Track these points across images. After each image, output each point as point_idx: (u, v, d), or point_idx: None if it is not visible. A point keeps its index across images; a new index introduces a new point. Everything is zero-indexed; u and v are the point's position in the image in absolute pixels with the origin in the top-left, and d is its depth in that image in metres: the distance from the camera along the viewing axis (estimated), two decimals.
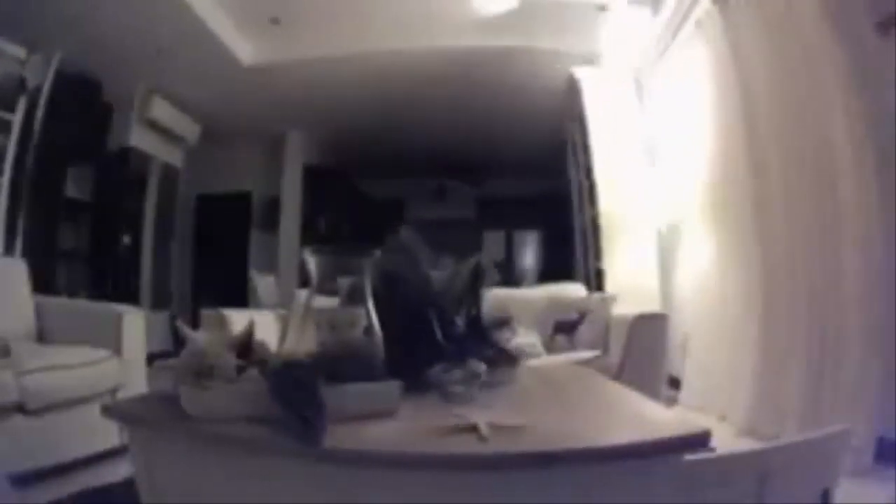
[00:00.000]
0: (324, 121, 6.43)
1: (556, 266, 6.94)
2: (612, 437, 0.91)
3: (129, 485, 1.01)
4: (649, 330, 2.51)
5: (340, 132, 6.82)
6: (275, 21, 4.44)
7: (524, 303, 2.95)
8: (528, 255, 8.85)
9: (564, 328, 2.84)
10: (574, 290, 3.25)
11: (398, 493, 0.81)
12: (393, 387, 1.00)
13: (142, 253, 5.52)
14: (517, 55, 4.72)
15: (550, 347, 2.75)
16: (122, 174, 5.20)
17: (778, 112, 2.47)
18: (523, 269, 8.49)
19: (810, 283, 2.28)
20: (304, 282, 1.18)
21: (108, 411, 1.10)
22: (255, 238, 6.79)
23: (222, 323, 2.47)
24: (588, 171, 4.66)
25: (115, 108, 5.07)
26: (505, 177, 8.37)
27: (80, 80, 4.51)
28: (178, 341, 1.08)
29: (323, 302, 1.11)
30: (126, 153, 5.20)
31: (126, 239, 5.27)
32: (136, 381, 2.28)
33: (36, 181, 3.85)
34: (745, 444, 2.24)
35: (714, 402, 2.89)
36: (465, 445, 0.82)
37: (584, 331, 2.78)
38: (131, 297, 4.88)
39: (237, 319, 2.47)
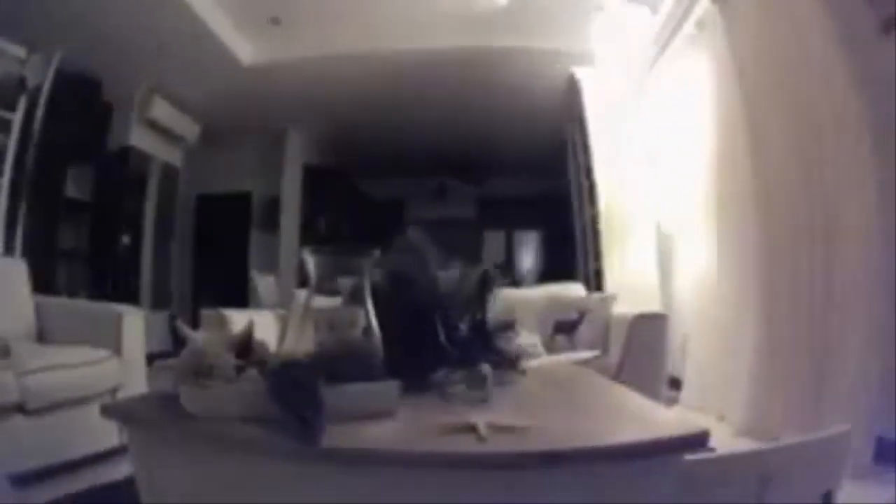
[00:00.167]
0: (324, 121, 6.43)
1: (557, 266, 6.95)
2: (611, 436, 0.91)
3: (128, 484, 1.01)
4: (649, 330, 2.51)
5: (340, 132, 6.82)
6: (275, 21, 4.44)
7: (524, 303, 2.95)
8: (529, 256, 8.85)
9: (564, 328, 2.84)
10: (574, 290, 3.25)
11: (397, 493, 0.81)
12: (391, 387, 1.00)
13: (142, 253, 5.52)
14: (517, 55, 4.72)
15: (550, 347, 2.75)
16: (122, 174, 5.20)
17: (778, 112, 2.47)
18: (523, 270, 8.49)
19: (810, 283, 2.28)
20: (304, 282, 1.18)
21: (107, 411, 1.10)
22: (255, 238, 6.79)
23: (222, 323, 2.46)
24: (588, 172, 4.66)
25: (115, 108, 5.07)
26: (505, 177, 8.37)
27: (80, 79, 4.51)
28: (178, 341, 1.08)
29: (322, 302, 1.11)
30: (126, 153, 5.20)
31: (126, 239, 5.27)
32: (135, 381, 2.28)
33: (36, 181, 3.85)
34: (744, 445, 2.24)
35: (713, 402, 2.89)
36: (463, 445, 0.82)
37: (583, 331, 2.78)
38: (131, 297, 4.88)
39: (237, 319, 2.47)
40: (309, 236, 6.58)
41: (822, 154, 2.19)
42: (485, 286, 1.42)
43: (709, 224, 3.22)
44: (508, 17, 4.27)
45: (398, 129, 6.58)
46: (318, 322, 1.07)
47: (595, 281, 4.61)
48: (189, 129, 5.95)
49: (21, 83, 3.64)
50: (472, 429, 0.85)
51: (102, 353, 2.18)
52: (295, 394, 0.88)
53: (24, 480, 1.77)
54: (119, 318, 2.29)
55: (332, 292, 1.12)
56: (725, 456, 0.90)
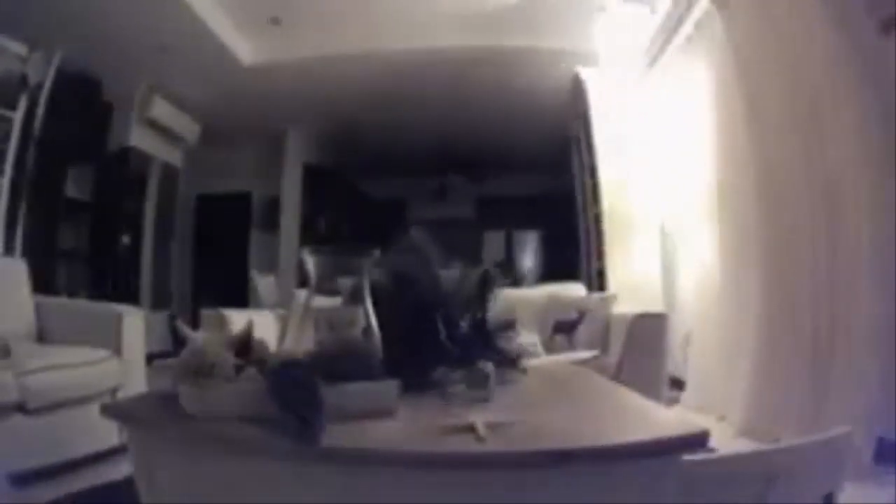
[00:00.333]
0: (324, 121, 6.43)
1: (558, 266, 6.94)
2: (610, 436, 0.91)
3: (128, 484, 1.01)
4: (649, 329, 2.50)
5: (340, 132, 6.82)
6: (275, 21, 4.44)
7: (524, 302, 2.95)
8: (529, 256, 8.84)
9: (564, 328, 2.84)
10: (574, 290, 3.25)
11: (397, 493, 0.81)
12: (391, 386, 1.00)
13: (142, 253, 5.52)
14: (518, 55, 4.72)
15: (550, 347, 2.75)
16: (122, 174, 5.20)
17: (778, 112, 2.47)
18: (524, 270, 8.49)
19: (810, 283, 2.28)
20: (304, 282, 1.18)
21: (107, 411, 1.10)
22: (255, 238, 6.79)
23: (222, 323, 2.46)
24: (592, 171, 4.66)
25: (116, 108, 5.07)
26: (505, 176, 8.36)
27: (81, 79, 4.51)
28: (178, 341, 1.08)
29: (322, 302, 1.11)
30: (126, 153, 5.20)
31: (126, 239, 5.27)
32: (135, 381, 2.28)
33: (36, 181, 3.85)
34: (744, 445, 2.24)
35: (714, 402, 2.89)
36: (463, 445, 0.82)
37: (583, 330, 2.78)
38: (131, 297, 4.88)
39: (237, 319, 2.47)
40: (309, 236, 6.58)
41: (823, 154, 2.19)
42: (485, 286, 1.42)
43: (710, 223, 3.22)
44: (510, 17, 4.27)
45: (398, 128, 6.58)
46: (318, 322, 1.07)
47: (598, 281, 4.61)
48: (189, 129, 5.95)
49: (22, 80, 3.65)
50: (471, 429, 0.85)
51: (102, 353, 2.18)
52: (295, 393, 0.88)
53: (25, 480, 1.77)
54: (119, 318, 2.29)
55: (332, 292, 1.12)
56: (726, 457, 0.90)
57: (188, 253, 6.55)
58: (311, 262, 1.10)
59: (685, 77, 3.50)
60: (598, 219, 4.55)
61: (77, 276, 4.77)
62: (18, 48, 3.61)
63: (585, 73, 4.50)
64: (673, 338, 2.99)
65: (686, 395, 3.19)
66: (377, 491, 0.82)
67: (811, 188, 2.28)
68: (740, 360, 2.68)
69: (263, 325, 1.87)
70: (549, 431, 0.90)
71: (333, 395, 0.91)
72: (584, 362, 2.33)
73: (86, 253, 4.92)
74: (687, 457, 0.83)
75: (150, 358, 2.48)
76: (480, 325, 1.37)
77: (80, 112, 4.53)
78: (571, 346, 2.74)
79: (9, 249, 3.56)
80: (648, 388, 1.87)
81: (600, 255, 4.50)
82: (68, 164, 4.56)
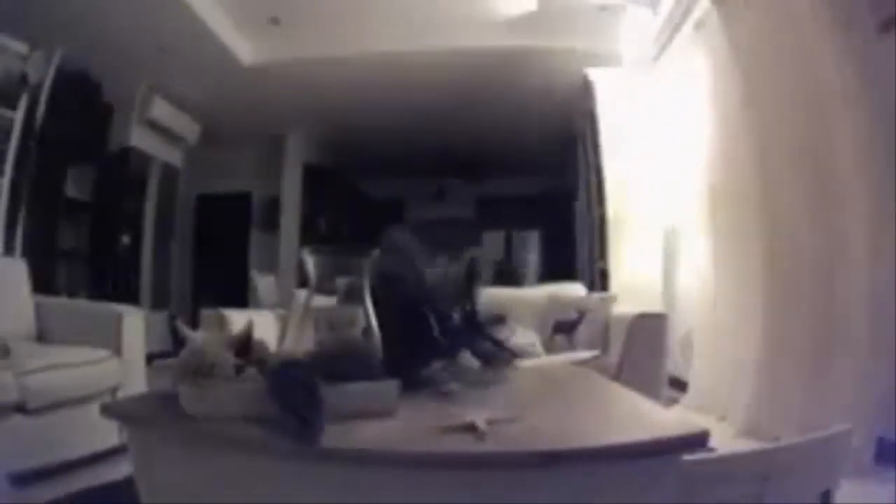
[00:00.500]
0: (324, 121, 6.43)
1: (558, 266, 6.94)
2: (610, 436, 0.91)
3: (128, 484, 1.01)
4: (649, 330, 2.50)
5: (340, 132, 6.82)
6: (275, 21, 4.44)
7: (524, 303, 2.95)
8: (529, 256, 8.84)
9: (564, 328, 2.84)
10: (574, 290, 3.25)
11: (397, 493, 0.81)
12: (391, 386, 1.00)
13: (142, 253, 5.52)
14: (519, 55, 4.71)
15: (550, 347, 2.75)
16: (122, 174, 5.20)
17: (778, 112, 2.47)
18: (523, 270, 8.49)
19: (811, 283, 2.28)
20: (304, 282, 1.19)
21: (107, 411, 1.09)
22: (255, 238, 6.79)
23: (222, 323, 2.46)
24: (598, 171, 4.65)
25: (116, 108, 5.07)
26: (505, 176, 8.37)
27: (81, 79, 4.51)
28: (178, 341, 1.08)
29: (322, 302, 1.11)
30: (126, 153, 5.21)
31: (126, 239, 5.27)
32: (135, 381, 2.28)
33: (36, 181, 3.85)
34: (745, 445, 2.24)
35: (714, 402, 2.89)
36: (463, 444, 0.82)
37: (583, 331, 2.77)
38: (131, 297, 4.88)
39: (237, 319, 2.46)
40: (309, 236, 6.58)
41: (823, 153, 2.19)
42: (471, 277, 1.42)
43: (711, 224, 3.22)
44: (511, 17, 4.27)
45: (398, 128, 6.58)
46: (318, 321, 1.07)
47: (601, 281, 4.61)
48: (189, 129, 5.95)
49: (23, 80, 3.65)
50: (471, 428, 0.85)
51: (102, 353, 2.18)
52: (294, 393, 0.88)
53: (24, 480, 1.77)
54: (119, 318, 2.29)
55: (332, 292, 1.12)
56: (724, 456, 0.90)
57: (188, 253, 6.55)
58: (310, 262, 1.10)
59: (686, 76, 3.50)
60: (602, 218, 4.55)
61: (77, 276, 4.77)
62: (19, 47, 3.61)
63: (594, 74, 4.48)
64: (673, 338, 2.99)
65: (686, 396, 3.19)
66: (376, 491, 0.82)
67: (811, 188, 2.28)
68: (741, 360, 2.68)
69: (263, 325, 1.87)
70: (549, 431, 0.90)
71: (333, 395, 0.91)
72: (584, 362, 2.32)
73: (86, 253, 4.92)
74: (686, 457, 0.83)
75: (150, 358, 2.48)
76: (471, 317, 1.37)
77: (80, 112, 4.53)
78: (571, 347, 2.73)
79: (9, 249, 3.56)
80: (648, 388, 1.88)
81: (603, 255, 4.50)
82: (68, 164, 4.56)
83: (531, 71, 4.97)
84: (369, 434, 0.88)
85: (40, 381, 1.89)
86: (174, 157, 6.02)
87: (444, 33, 4.49)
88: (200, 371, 0.97)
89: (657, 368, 2.53)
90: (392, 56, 4.79)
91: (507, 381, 1.33)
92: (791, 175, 2.39)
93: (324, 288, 1.11)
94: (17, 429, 1.84)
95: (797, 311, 2.34)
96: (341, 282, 1.11)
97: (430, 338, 1.23)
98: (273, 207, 6.68)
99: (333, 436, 0.84)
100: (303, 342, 1.07)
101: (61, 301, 3.15)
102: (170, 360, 1.08)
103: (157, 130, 5.53)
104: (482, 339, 1.32)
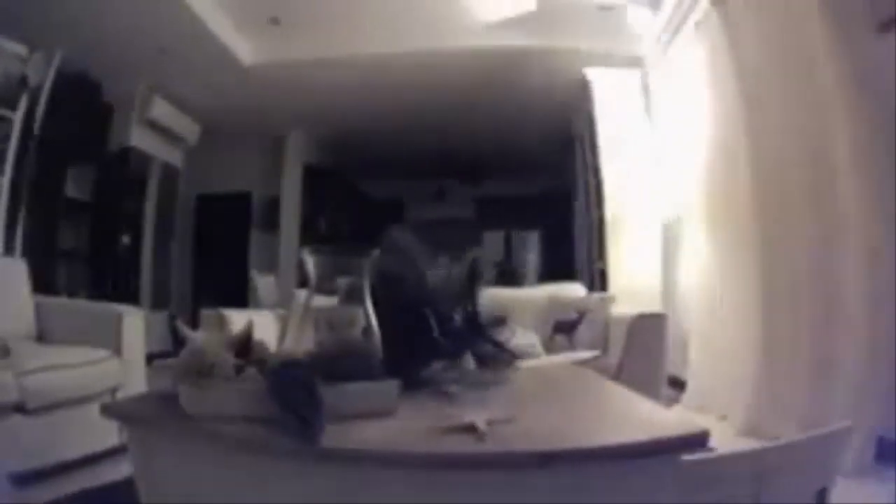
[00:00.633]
0: (324, 121, 6.43)
1: (557, 266, 6.95)
2: (610, 436, 0.91)
3: (128, 484, 1.01)
4: (648, 330, 2.51)
5: (340, 132, 6.82)
6: (274, 21, 4.44)
7: (524, 303, 2.95)
8: (529, 256, 8.85)
9: (564, 328, 2.84)
10: (573, 290, 3.25)
11: (396, 493, 0.81)
12: (391, 386, 1.00)
13: (142, 253, 5.52)
14: (518, 56, 4.72)
15: (550, 347, 2.75)
16: (122, 174, 5.20)
17: (777, 112, 2.47)
18: (523, 270, 8.50)
19: (811, 283, 2.28)
20: (304, 282, 1.19)
21: (107, 411, 1.09)
22: (255, 238, 6.79)
23: (222, 323, 2.46)
24: (596, 171, 4.65)
25: (116, 108, 5.07)
26: (505, 176, 8.38)
27: (81, 79, 4.51)
28: (178, 341, 1.08)
29: (322, 302, 1.11)
30: (126, 153, 5.21)
31: (126, 239, 5.27)
32: (135, 381, 2.28)
33: (36, 181, 3.85)
34: (745, 445, 2.24)
35: (715, 402, 2.89)
36: (463, 444, 0.82)
37: (583, 331, 2.78)
38: (131, 297, 4.88)
39: (237, 319, 2.47)
40: (309, 236, 6.59)
41: (822, 153, 2.19)
42: (473, 277, 1.41)
43: (710, 223, 3.22)
44: (511, 18, 4.26)
45: (398, 129, 6.59)
46: (318, 322, 1.07)
47: (601, 281, 4.61)
48: (189, 129, 5.95)
49: (22, 81, 3.65)
50: (471, 428, 0.86)
51: (102, 353, 2.18)
52: (294, 393, 0.88)
53: (24, 480, 1.77)
54: (119, 318, 2.29)
55: (332, 292, 1.12)
56: (721, 455, 0.90)
57: (188, 253, 6.55)
58: (310, 262, 1.10)
59: (686, 76, 3.50)
60: (601, 219, 4.55)
61: (77, 276, 4.77)
62: (18, 49, 3.61)
63: (592, 75, 4.48)
64: (672, 338, 2.99)
65: (686, 396, 3.19)
66: (376, 491, 0.82)
67: (810, 188, 2.28)
68: (742, 360, 2.68)
69: (263, 325, 1.87)
70: (549, 432, 0.90)
71: (333, 395, 0.91)
72: (584, 362, 2.33)
73: (86, 253, 4.92)
74: (686, 457, 0.84)
75: (150, 358, 2.48)
76: (472, 318, 1.37)
77: (80, 112, 4.53)
78: (571, 347, 2.74)
79: (9, 249, 3.56)
80: (648, 388, 1.88)
81: (602, 255, 4.51)
82: (68, 164, 4.57)
83: (531, 71, 4.97)
84: (369, 434, 0.88)
85: (40, 381, 1.89)
86: (174, 157, 6.02)
87: (443, 34, 4.49)
88: (200, 371, 0.97)
89: (657, 368, 2.54)
90: (391, 56, 4.79)
91: (507, 382, 1.33)
92: (790, 175, 2.39)
93: (324, 288, 1.11)
94: (17, 429, 1.84)
95: (797, 311, 2.34)
96: (341, 282, 1.11)
97: (430, 338, 1.23)
98: (273, 207, 6.68)
99: (333, 436, 0.84)
100: (303, 342, 1.07)
101: (61, 301, 3.15)
102: (170, 361, 1.08)
103: (157, 130, 5.53)
104: (483, 342, 1.32)
